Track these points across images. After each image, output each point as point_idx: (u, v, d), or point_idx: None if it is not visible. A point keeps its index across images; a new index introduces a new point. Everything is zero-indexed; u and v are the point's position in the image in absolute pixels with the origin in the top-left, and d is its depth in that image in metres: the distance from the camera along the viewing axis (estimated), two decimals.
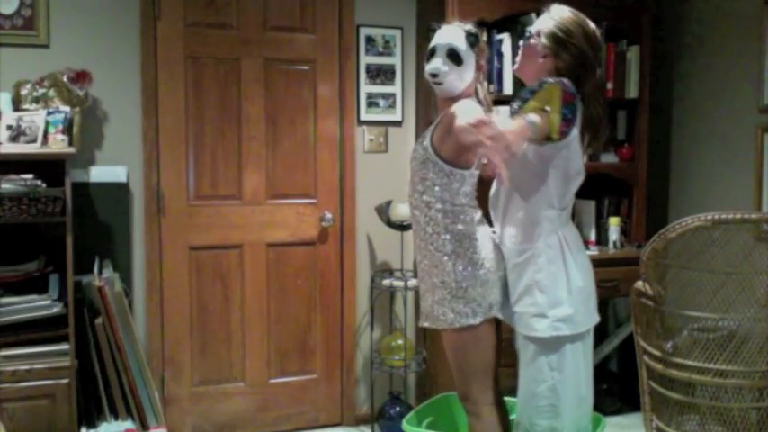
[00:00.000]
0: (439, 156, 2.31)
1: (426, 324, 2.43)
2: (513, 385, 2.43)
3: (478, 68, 2.40)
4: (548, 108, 2.04)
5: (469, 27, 2.39)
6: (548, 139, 2.09)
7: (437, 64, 2.33)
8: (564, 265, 2.28)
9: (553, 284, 2.26)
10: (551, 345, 2.27)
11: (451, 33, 2.37)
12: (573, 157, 2.26)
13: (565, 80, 2.15)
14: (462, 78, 2.36)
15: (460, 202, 2.34)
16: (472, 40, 2.36)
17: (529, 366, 2.31)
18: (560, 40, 2.25)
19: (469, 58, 2.35)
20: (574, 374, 2.30)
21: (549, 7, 2.35)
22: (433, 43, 2.38)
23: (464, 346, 2.36)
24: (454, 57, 2.34)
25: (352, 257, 3.78)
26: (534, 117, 2.03)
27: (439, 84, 2.36)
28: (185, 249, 3.53)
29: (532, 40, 2.29)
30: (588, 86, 2.26)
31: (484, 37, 2.53)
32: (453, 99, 2.35)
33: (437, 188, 2.33)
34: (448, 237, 2.33)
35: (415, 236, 2.45)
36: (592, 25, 2.33)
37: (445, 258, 2.33)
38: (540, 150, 2.19)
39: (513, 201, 2.32)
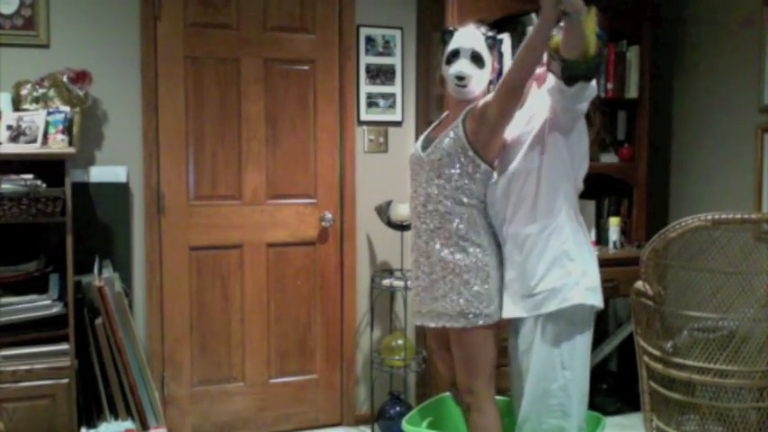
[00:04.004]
0: (473, 147, 2.34)
1: (453, 324, 2.39)
2: (506, 386, 2.45)
3: (492, 70, 2.44)
4: (585, 30, 2.08)
5: (485, 30, 2.45)
6: (585, 59, 2.09)
7: (463, 67, 2.38)
8: (583, 234, 2.36)
9: (580, 252, 2.30)
10: (569, 326, 2.29)
11: (473, 36, 2.42)
12: (583, 135, 2.34)
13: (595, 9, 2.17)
14: (482, 81, 2.43)
15: (484, 200, 2.41)
16: (490, 42, 2.43)
17: (541, 365, 2.32)
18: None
19: (488, 61, 2.42)
20: (582, 373, 2.35)
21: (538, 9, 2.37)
22: (454, 45, 2.41)
23: (482, 341, 2.40)
24: (478, 60, 2.40)
25: (352, 257, 3.78)
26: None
27: (464, 86, 2.40)
28: (185, 249, 3.53)
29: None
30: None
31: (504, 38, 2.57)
32: (469, 101, 2.41)
33: (466, 181, 2.36)
34: (482, 232, 2.39)
35: (431, 236, 2.42)
36: None
37: (481, 254, 2.37)
38: (565, 107, 2.22)
39: (530, 180, 2.32)
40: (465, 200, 2.37)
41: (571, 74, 2.12)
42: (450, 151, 2.36)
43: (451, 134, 2.38)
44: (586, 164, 2.39)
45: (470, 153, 2.35)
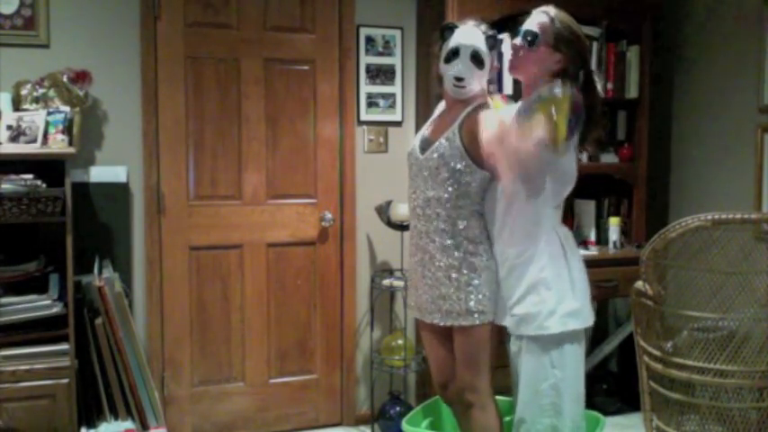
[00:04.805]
0: (469, 155, 2.32)
1: (460, 322, 2.39)
2: (505, 385, 2.45)
3: (491, 69, 2.41)
4: (555, 116, 2.05)
5: (485, 28, 2.41)
6: (557, 147, 2.10)
7: (463, 68, 2.35)
8: (566, 262, 2.31)
9: (558, 280, 2.29)
10: (556, 341, 2.28)
11: (474, 35, 2.37)
12: (570, 159, 2.31)
13: (575, 90, 2.16)
14: (481, 81, 2.39)
15: (483, 203, 2.41)
16: (491, 42, 2.39)
17: (531, 365, 2.31)
18: (566, 39, 2.27)
19: (488, 61, 2.38)
20: (574, 372, 2.33)
21: (538, 7, 2.36)
22: (454, 44, 2.37)
23: (487, 338, 2.40)
24: (478, 60, 2.36)
25: (352, 257, 3.78)
26: (542, 133, 2.06)
27: (462, 87, 2.36)
28: (185, 249, 3.53)
29: (537, 42, 2.27)
30: (585, 80, 2.30)
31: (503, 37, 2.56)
32: (466, 101, 2.38)
33: (464, 186, 2.35)
34: (484, 233, 2.39)
35: (432, 237, 2.41)
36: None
37: (484, 254, 2.37)
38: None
39: (513, 204, 2.32)
40: (464, 204, 2.36)
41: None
42: (447, 157, 2.34)
43: (448, 141, 2.35)
44: (573, 182, 2.37)
45: (467, 160, 2.33)
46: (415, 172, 2.48)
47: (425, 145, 2.45)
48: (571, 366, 2.32)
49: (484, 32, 2.39)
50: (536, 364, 2.30)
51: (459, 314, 2.38)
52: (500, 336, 2.46)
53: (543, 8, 2.35)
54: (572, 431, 2.33)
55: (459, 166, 2.33)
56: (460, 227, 2.37)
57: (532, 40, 2.28)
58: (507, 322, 2.37)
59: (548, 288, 2.28)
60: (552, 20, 2.29)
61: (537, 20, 2.32)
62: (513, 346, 2.37)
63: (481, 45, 2.37)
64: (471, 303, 2.36)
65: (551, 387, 2.30)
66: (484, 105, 2.37)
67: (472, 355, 2.42)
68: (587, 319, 2.34)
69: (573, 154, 2.32)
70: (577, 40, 2.31)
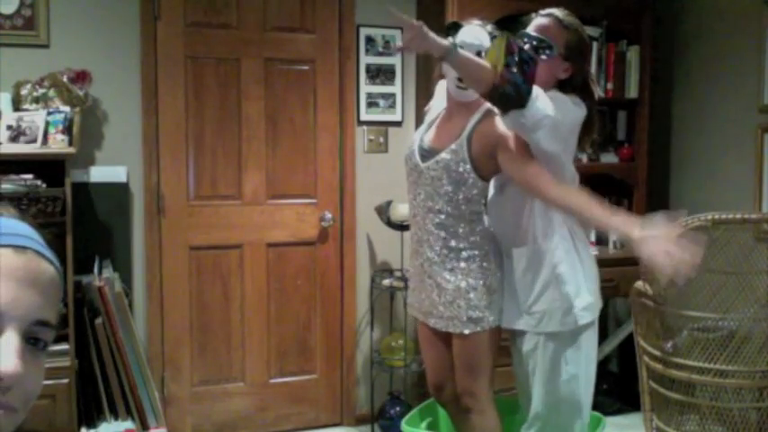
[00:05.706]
0: (474, 166, 2.29)
1: (461, 329, 2.38)
2: (506, 385, 2.46)
3: None
4: (496, 59, 2.01)
5: (491, 28, 2.34)
6: (494, 90, 2.03)
7: None
8: (577, 254, 2.33)
9: (573, 274, 2.29)
10: (573, 335, 2.30)
11: (480, 35, 2.30)
12: (570, 161, 2.31)
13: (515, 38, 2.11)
14: None
15: (485, 210, 2.40)
16: None
17: (549, 360, 2.32)
18: (577, 48, 2.26)
19: None
20: (587, 368, 2.35)
21: (540, 8, 2.34)
22: (459, 43, 2.24)
23: (487, 344, 2.39)
24: None
25: (352, 257, 3.78)
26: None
27: (465, 89, 2.28)
28: (185, 249, 3.53)
29: (552, 53, 2.23)
30: (583, 83, 2.30)
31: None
32: (469, 104, 2.34)
33: (467, 195, 2.32)
34: (486, 240, 2.37)
35: (433, 245, 2.38)
36: None
37: (485, 262, 2.36)
38: (546, 147, 2.17)
39: (526, 202, 2.31)
40: (464, 213, 2.34)
41: (492, 102, 2.09)
42: (451, 170, 2.29)
43: (453, 153, 2.30)
44: (577, 179, 2.36)
45: (473, 174, 2.29)
46: (414, 178, 2.43)
47: (427, 153, 2.39)
48: (586, 359, 2.34)
49: (490, 33, 2.31)
50: (554, 358, 2.31)
51: (459, 321, 2.37)
52: (499, 338, 2.46)
53: (551, 12, 2.29)
54: (583, 424, 2.36)
55: (463, 178, 2.29)
56: (461, 235, 2.34)
57: (546, 49, 2.23)
58: (524, 321, 2.35)
59: (565, 283, 2.28)
60: (566, 27, 2.25)
61: (547, 25, 2.26)
62: (528, 343, 2.36)
63: (487, 45, 2.27)
64: (471, 311, 2.35)
65: (568, 381, 2.31)
66: (492, 114, 2.30)
67: (471, 361, 2.42)
68: (597, 309, 2.35)
69: (569, 158, 2.31)
70: (585, 47, 2.30)
